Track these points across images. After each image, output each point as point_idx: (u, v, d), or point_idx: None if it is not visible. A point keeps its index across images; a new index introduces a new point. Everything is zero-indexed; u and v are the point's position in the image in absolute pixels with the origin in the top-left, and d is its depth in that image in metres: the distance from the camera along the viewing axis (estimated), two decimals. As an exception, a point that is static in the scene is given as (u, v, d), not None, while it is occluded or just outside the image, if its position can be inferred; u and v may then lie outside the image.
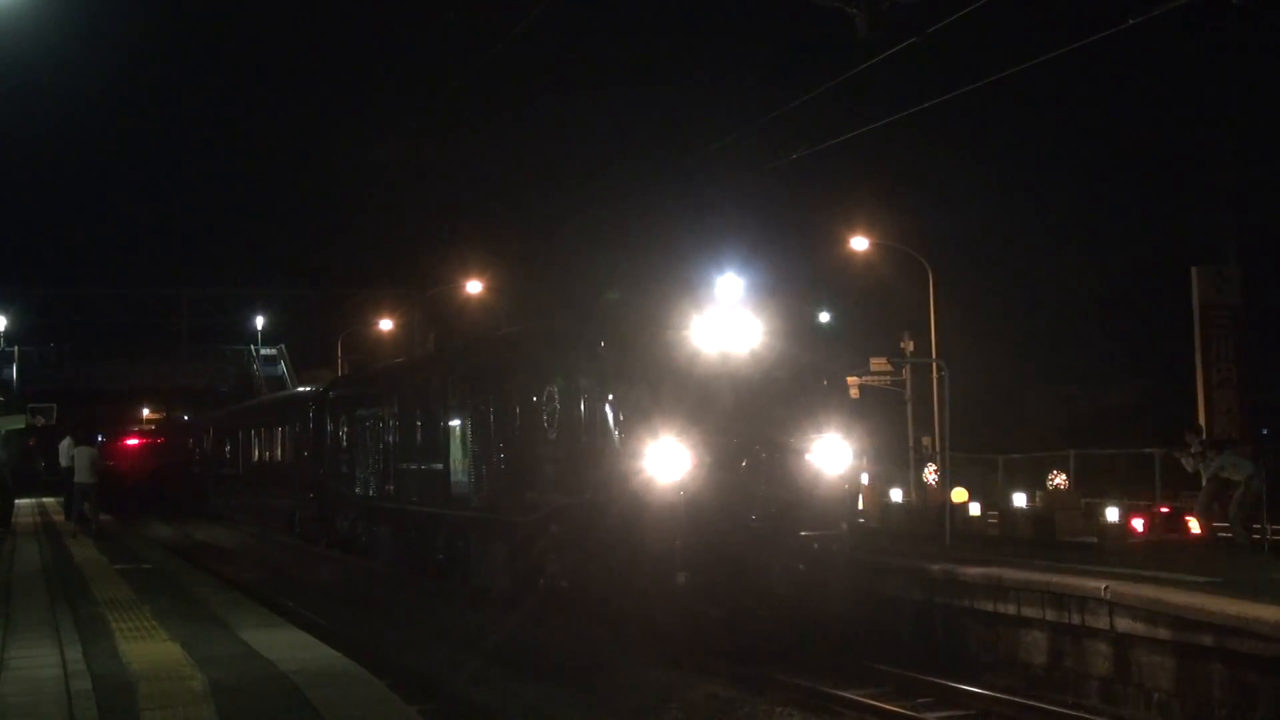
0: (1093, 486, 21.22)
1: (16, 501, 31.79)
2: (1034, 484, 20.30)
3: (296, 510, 28.48)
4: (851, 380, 14.49)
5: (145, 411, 63.73)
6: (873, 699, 11.95)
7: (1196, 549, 17.31)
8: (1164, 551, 16.72)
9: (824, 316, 19.28)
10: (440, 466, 18.43)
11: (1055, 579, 12.57)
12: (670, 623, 13.05)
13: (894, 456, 29.81)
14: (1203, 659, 11.00)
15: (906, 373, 31.43)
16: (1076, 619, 12.20)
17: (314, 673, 9.54)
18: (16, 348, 55.25)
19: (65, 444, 26.09)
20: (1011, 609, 12.99)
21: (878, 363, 31.21)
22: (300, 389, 33.74)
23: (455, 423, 18.05)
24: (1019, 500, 19.10)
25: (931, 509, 20.20)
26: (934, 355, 29.29)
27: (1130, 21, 13.68)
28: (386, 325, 50.94)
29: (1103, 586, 11.90)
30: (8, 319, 55.85)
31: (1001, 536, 18.59)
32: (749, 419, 13.72)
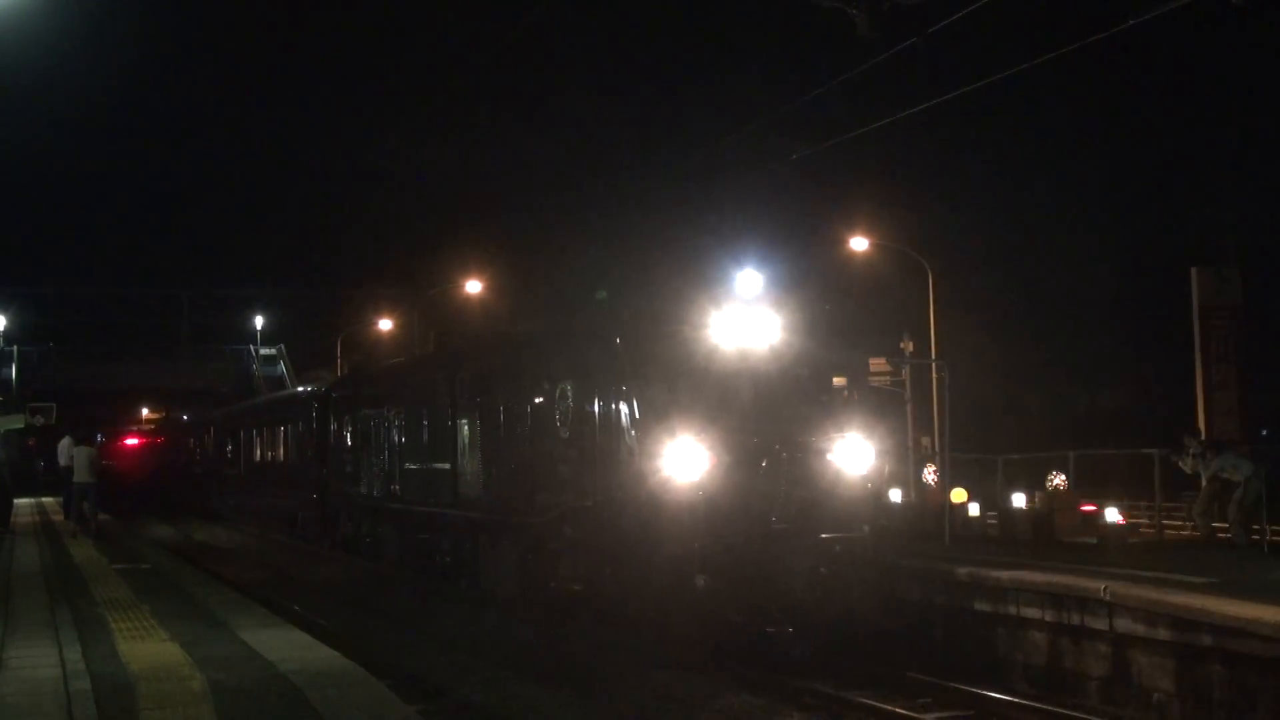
0: (1092, 488, 21.20)
1: (16, 501, 31.76)
2: (1033, 484, 20.27)
3: (299, 511, 28.30)
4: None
5: (144, 411, 63.72)
6: (906, 710, 11.60)
7: (1196, 550, 17.29)
8: (1164, 552, 16.71)
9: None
10: (447, 467, 18.20)
11: (1089, 583, 12.15)
12: (688, 627, 12.75)
13: (894, 456, 29.76)
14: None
15: (906, 373, 31.43)
16: (1125, 627, 11.73)
17: (314, 673, 9.54)
18: (16, 347, 55.22)
19: (64, 443, 26.04)
20: (1044, 614, 12.61)
21: (877, 363, 31.18)
22: (303, 388, 33.53)
23: (463, 422, 17.80)
24: (1018, 500, 19.07)
25: (931, 509, 20.19)
26: (934, 355, 29.30)
27: (1130, 22, 13.68)
28: (386, 325, 50.92)
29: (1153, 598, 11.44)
30: (7, 318, 55.81)
31: (1001, 537, 18.57)
32: (769, 417, 13.42)
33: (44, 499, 40.99)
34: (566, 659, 12.62)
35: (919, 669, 12.83)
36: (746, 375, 13.53)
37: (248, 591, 17.20)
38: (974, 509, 19.34)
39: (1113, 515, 17.36)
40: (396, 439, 20.81)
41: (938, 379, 24.74)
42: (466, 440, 17.64)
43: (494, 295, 44.41)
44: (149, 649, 10.83)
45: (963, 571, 13.73)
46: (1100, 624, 11.87)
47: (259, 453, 33.97)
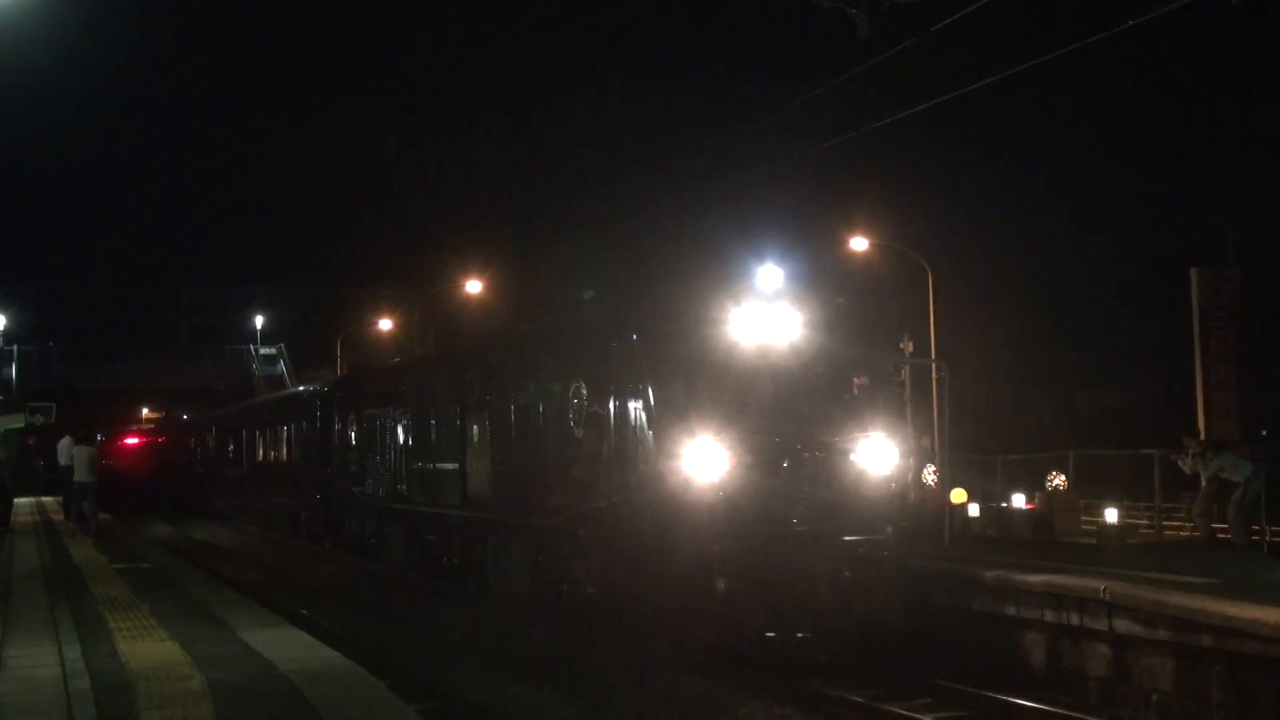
0: (1092, 488, 21.22)
1: (15, 500, 31.76)
2: (1033, 485, 20.28)
3: (303, 511, 28.18)
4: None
5: (144, 411, 63.75)
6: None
7: (1198, 550, 17.28)
8: (1164, 553, 16.71)
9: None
10: (456, 467, 17.92)
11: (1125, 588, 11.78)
12: (707, 632, 12.46)
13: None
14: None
15: (906, 373, 31.39)
16: (1165, 634, 11.28)
17: (313, 672, 9.53)
18: (16, 347, 55.23)
19: (64, 443, 26.10)
20: (1078, 619, 12.20)
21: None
22: (307, 386, 33.40)
23: (473, 421, 17.51)
24: (1018, 501, 19.08)
25: (931, 509, 20.17)
26: (933, 355, 29.28)
27: (1130, 23, 13.68)
28: (386, 325, 50.92)
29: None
30: (7, 318, 55.78)
31: (1000, 537, 18.57)
32: (790, 416, 13.09)
33: (44, 498, 41.01)
34: (581, 664, 12.39)
35: (947, 675, 12.45)
36: (766, 373, 13.21)
37: (248, 591, 17.22)
38: (974, 509, 19.34)
39: (1112, 516, 17.34)
40: (402, 438, 20.55)
41: (937, 379, 24.75)
42: (475, 440, 17.37)
43: (494, 295, 44.38)
44: (148, 648, 10.83)
45: (990, 575, 13.35)
46: (1207, 640, 10.97)
47: (262, 452, 33.86)
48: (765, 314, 13.33)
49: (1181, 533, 19.88)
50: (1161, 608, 11.26)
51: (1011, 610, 12.95)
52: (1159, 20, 13.45)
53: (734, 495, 12.49)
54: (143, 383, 57.99)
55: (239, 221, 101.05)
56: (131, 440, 55.18)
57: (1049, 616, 12.53)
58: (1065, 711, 11.31)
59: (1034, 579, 12.76)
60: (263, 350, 59.91)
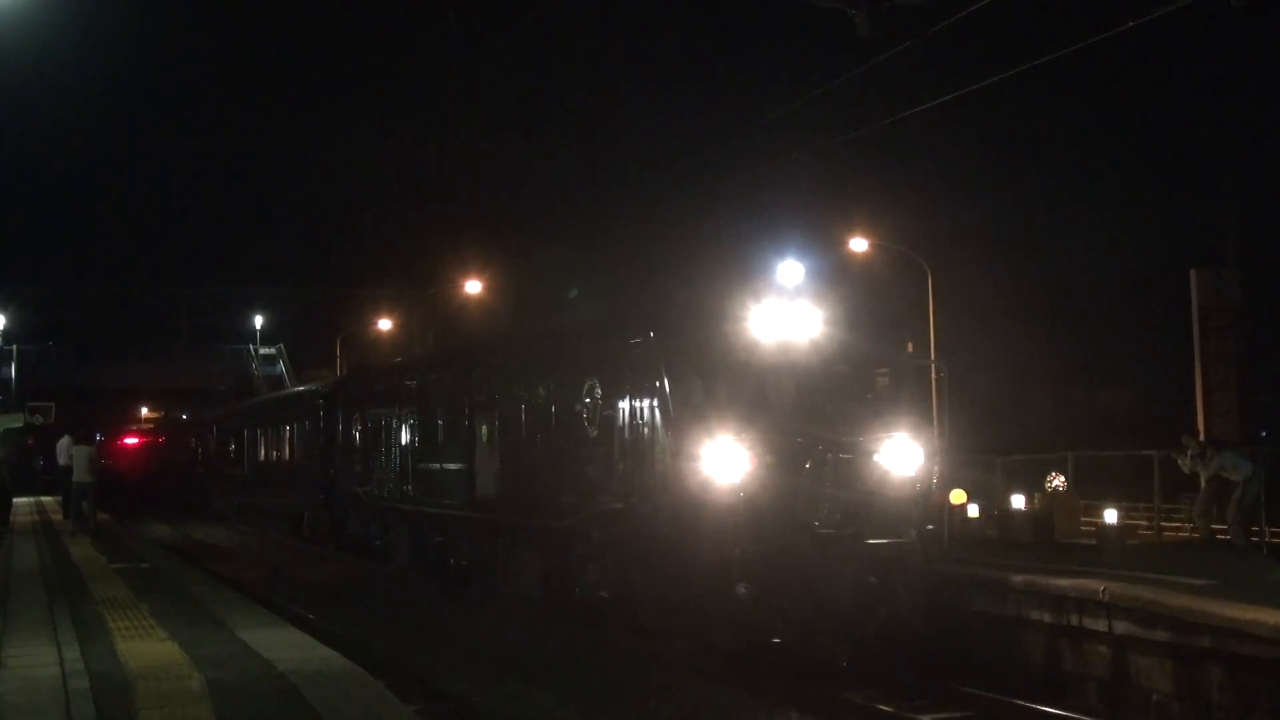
0: (1091, 488, 21.23)
1: (15, 500, 31.78)
2: (1033, 485, 20.29)
3: (306, 511, 27.96)
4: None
5: (144, 410, 63.80)
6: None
7: (1198, 551, 17.28)
8: (1163, 554, 16.71)
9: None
10: (464, 467, 17.62)
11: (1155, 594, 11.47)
12: (727, 638, 12.18)
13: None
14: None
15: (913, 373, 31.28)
16: (1206, 642, 10.89)
17: (311, 672, 9.52)
18: (15, 346, 55.31)
19: (63, 443, 26.08)
20: (1113, 626, 11.86)
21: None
22: (310, 385, 33.27)
23: (481, 421, 17.16)
24: (1017, 502, 19.09)
25: (930, 510, 20.11)
26: (933, 356, 29.26)
27: (1130, 24, 13.68)
28: (386, 325, 50.95)
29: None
30: (6, 317, 55.89)
31: (999, 538, 18.57)
32: (812, 416, 12.74)
33: (43, 498, 41.02)
34: (596, 671, 12.04)
35: (975, 683, 12.17)
36: (787, 371, 12.89)
37: (247, 591, 17.15)
38: (973, 510, 19.35)
39: (1111, 517, 17.36)
40: (408, 438, 20.23)
41: (937, 379, 24.72)
42: (484, 439, 17.03)
43: (494, 296, 44.38)
44: (147, 648, 10.82)
45: (1019, 579, 13.00)
46: (1204, 641, 10.88)
47: (263, 452, 33.71)
48: (786, 310, 13.00)
49: (1181, 534, 19.91)
50: (1196, 615, 10.89)
51: (1038, 615, 12.61)
52: (1159, 21, 13.46)
53: (754, 497, 12.15)
54: (142, 382, 58.10)
55: (239, 222, 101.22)
56: (131, 440, 55.24)
57: (1076, 621, 12.20)
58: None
59: (1063, 582, 12.43)
60: (262, 350, 60.01)
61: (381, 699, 8.81)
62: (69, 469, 25.13)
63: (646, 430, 12.78)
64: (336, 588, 19.45)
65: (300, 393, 32.91)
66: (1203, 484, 18.54)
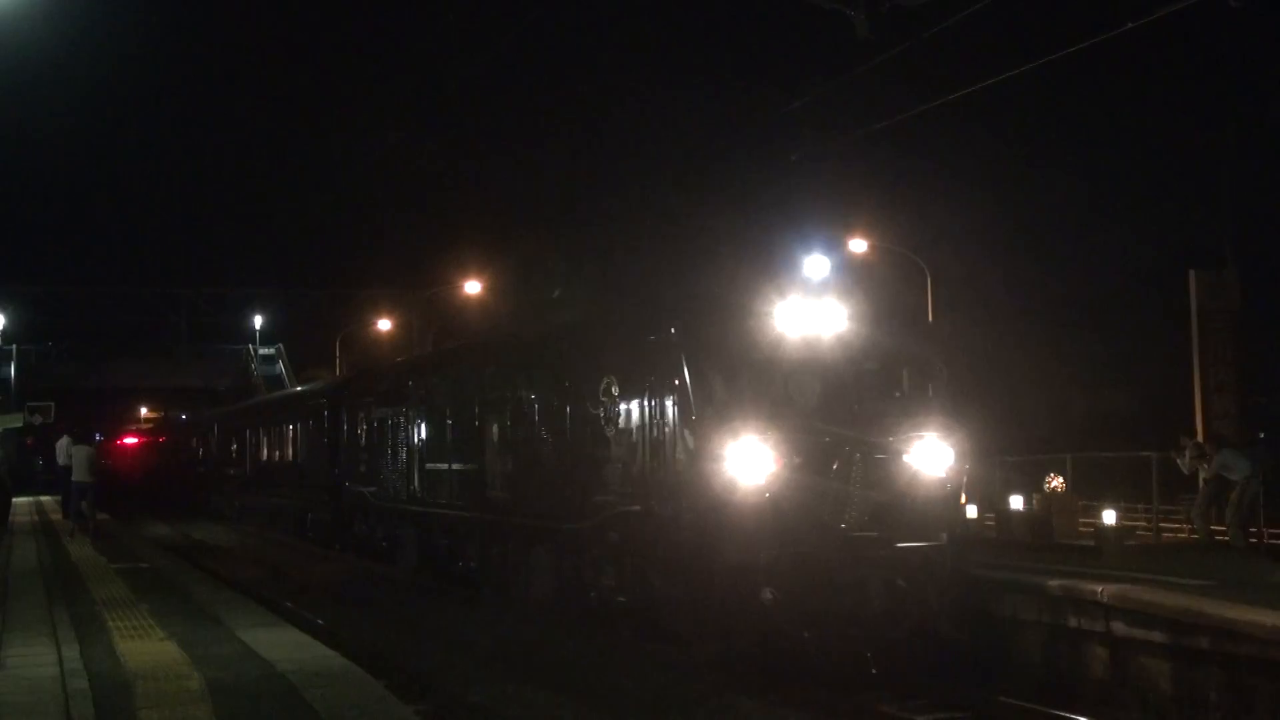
0: (1090, 489, 21.24)
1: (14, 500, 31.82)
2: (1031, 486, 20.30)
3: (309, 512, 27.80)
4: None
5: (143, 410, 63.89)
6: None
7: (1198, 552, 17.30)
8: (1162, 555, 16.73)
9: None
10: (474, 467, 17.28)
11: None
12: (753, 645, 11.80)
13: None
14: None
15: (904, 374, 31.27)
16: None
17: (311, 672, 9.56)
18: (15, 346, 55.35)
19: (63, 443, 26.09)
20: (1154, 635, 11.39)
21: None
22: (314, 384, 33.16)
23: (492, 420, 16.80)
24: (1016, 503, 19.10)
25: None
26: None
27: (1129, 25, 13.72)
28: (385, 325, 51.01)
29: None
30: (6, 317, 55.98)
31: (998, 539, 18.58)
32: (839, 415, 12.30)
33: (42, 498, 41.09)
34: (615, 679, 11.73)
35: (1011, 692, 11.79)
36: (814, 369, 12.46)
37: (246, 591, 17.18)
38: (972, 510, 19.34)
39: (1110, 518, 17.36)
40: (416, 438, 19.88)
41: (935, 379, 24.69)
42: (495, 440, 16.69)
43: (494, 296, 44.42)
44: (147, 648, 10.86)
45: (1055, 585, 12.51)
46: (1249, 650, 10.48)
47: (265, 452, 33.55)
48: (812, 306, 12.58)
49: (1179, 535, 19.93)
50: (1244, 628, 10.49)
51: (1118, 629, 11.96)
52: (1158, 23, 13.49)
53: (780, 499, 11.73)
54: (141, 382, 58.21)
55: (238, 222, 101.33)
56: (130, 440, 55.27)
57: (1112, 628, 11.84)
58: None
59: (1101, 588, 11.97)
60: (262, 350, 60.08)
61: (380, 699, 8.83)
62: (68, 469, 25.14)
63: (666, 430, 12.37)
64: (338, 588, 19.47)
65: (304, 392, 32.75)
66: (1201, 485, 18.56)
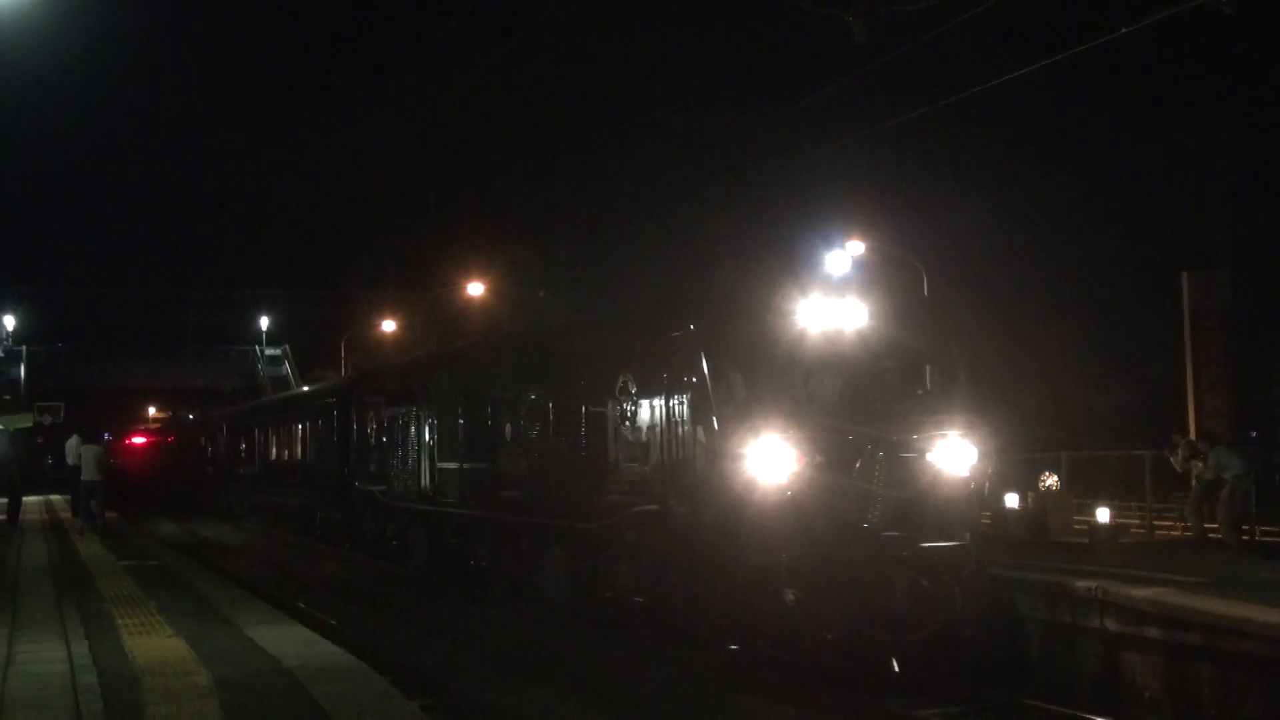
0: (1084, 488, 21.40)
1: (25, 499, 31.98)
2: (1026, 484, 20.47)
3: (319, 511, 27.70)
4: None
5: (151, 410, 64.13)
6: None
7: (1191, 550, 17.44)
8: (1154, 552, 16.87)
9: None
10: (486, 466, 17.11)
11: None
12: (775, 648, 11.61)
13: None
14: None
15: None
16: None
17: (317, 669, 9.60)
18: (24, 347, 55.58)
19: (72, 442, 26.24)
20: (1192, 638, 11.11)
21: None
22: (324, 384, 33.13)
23: (505, 419, 16.63)
24: (1011, 501, 19.29)
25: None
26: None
27: (1124, 30, 13.85)
28: (390, 326, 51.18)
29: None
30: (16, 319, 56.26)
31: (993, 537, 18.74)
32: (861, 413, 12.14)
33: (52, 497, 41.17)
34: (634, 682, 11.59)
35: (1040, 695, 11.71)
36: (836, 366, 12.30)
37: (253, 588, 17.20)
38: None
39: (1104, 515, 17.54)
40: (427, 437, 19.72)
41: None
42: (508, 438, 16.51)
43: (497, 298, 44.58)
44: (155, 644, 10.90)
45: (1081, 586, 12.28)
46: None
47: (275, 451, 33.44)
48: (834, 303, 12.42)
49: (1172, 532, 20.08)
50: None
51: (1105, 624, 12.00)
52: (1152, 27, 13.61)
53: (802, 499, 11.53)
54: (149, 383, 58.37)
55: (245, 225, 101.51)
56: (139, 439, 55.48)
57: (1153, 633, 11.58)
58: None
59: (1140, 593, 11.69)
60: (268, 351, 60.28)
61: (386, 695, 8.86)
62: (78, 468, 25.28)
63: (685, 428, 12.20)
64: (347, 587, 19.46)
65: (313, 391, 32.63)
66: (1194, 483, 18.72)
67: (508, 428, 16.59)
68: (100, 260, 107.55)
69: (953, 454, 12.32)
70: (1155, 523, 20.14)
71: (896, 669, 11.58)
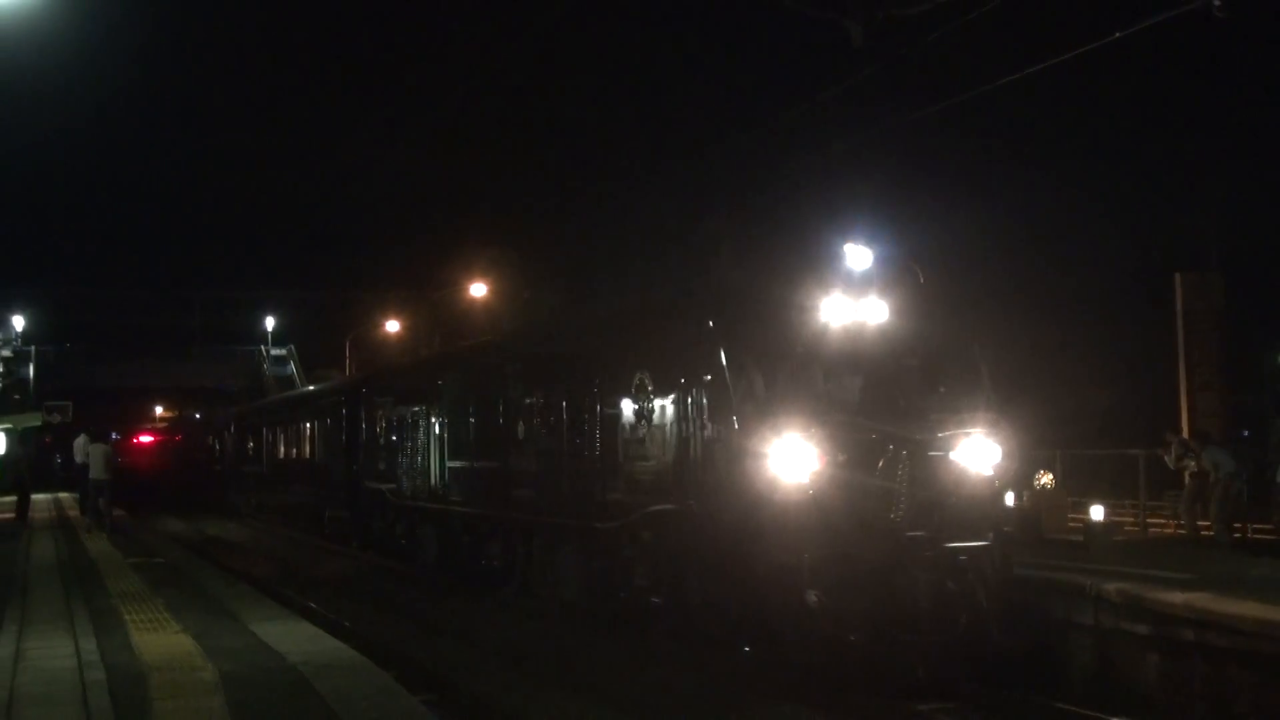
0: (1078, 486, 21.55)
1: (33, 497, 32.22)
2: (1021, 482, 20.64)
3: (327, 509, 27.58)
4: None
5: (158, 409, 64.40)
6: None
7: (1184, 547, 17.59)
8: (1149, 550, 16.99)
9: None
10: (497, 465, 16.87)
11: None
12: (797, 650, 11.29)
13: None
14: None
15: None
16: None
17: (321, 664, 9.67)
18: (34, 347, 55.89)
19: (80, 441, 26.40)
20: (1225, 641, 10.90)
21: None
22: (332, 382, 33.13)
23: (518, 416, 16.35)
24: (1007, 500, 19.45)
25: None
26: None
27: (1118, 34, 14.01)
28: (393, 327, 51.38)
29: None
30: (25, 319, 56.58)
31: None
32: (884, 411, 11.86)
33: (61, 495, 41.34)
34: (653, 685, 11.32)
35: (1070, 699, 11.48)
36: (858, 363, 12.04)
37: (258, 585, 17.31)
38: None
39: (1098, 513, 17.71)
40: (437, 435, 19.45)
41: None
42: (521, 436, 16.21)
43: (500, 298, 44.74)
44: (162, 640, 10.98)
45: (1112, 588, 12.08)
46: None
47: (283, 450, 33.35)
48: (856, 298, 12.17)
49: (1165, 530, 20.24)
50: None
51: (1137, 626, 11.85)
52: (1146, 31, 13.76)
53: (825, 498, 11.25)
54: (157, 382, 58.66)
55: (251, 227, 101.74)
56: (146, 438, 55.70)
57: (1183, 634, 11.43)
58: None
59: (1174, 597, 11.50)
60: (273, 351, 60.57)
61: (389, 690, 8.93)
62: (86, 467, 25.45)
63: (704, 427, 11.89)
64: (355, 585, 19.51)
65: (321, 390, 32.44)
66: (1187, 481, 18.89)
67: (520, 426, 16.35)
68: (109, 261, 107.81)
69: (977, 453, 12.06)
70: (1148, 520, 20.30)
71: (921, 672, 11.32)
